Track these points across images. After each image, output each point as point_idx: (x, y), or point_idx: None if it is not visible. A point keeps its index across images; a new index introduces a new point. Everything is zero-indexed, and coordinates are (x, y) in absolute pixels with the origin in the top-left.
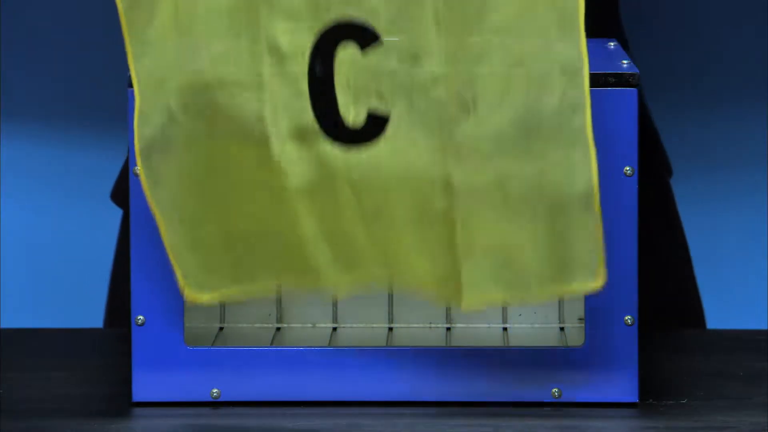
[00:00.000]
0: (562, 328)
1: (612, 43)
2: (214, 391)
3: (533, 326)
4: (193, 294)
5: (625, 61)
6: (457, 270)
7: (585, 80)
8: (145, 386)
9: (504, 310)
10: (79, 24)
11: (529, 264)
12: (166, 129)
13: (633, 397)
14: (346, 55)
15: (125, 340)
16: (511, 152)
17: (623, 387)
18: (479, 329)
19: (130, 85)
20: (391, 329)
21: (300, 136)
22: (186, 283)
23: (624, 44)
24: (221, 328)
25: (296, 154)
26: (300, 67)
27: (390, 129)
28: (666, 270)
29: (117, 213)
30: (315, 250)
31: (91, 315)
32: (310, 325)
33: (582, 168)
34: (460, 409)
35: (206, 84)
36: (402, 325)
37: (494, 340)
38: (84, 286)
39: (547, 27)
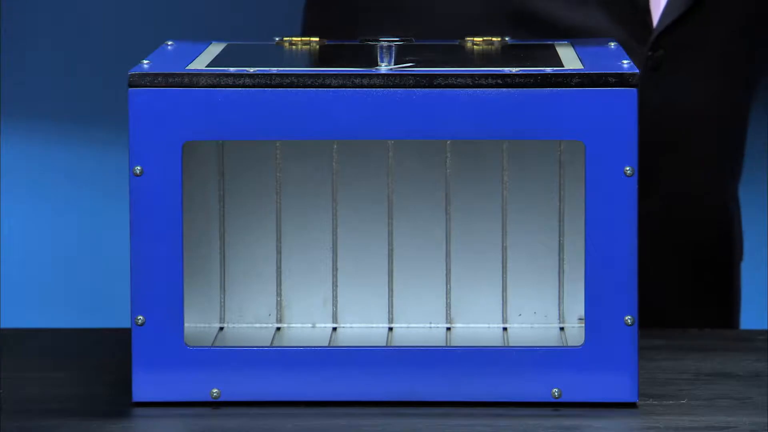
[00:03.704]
0: (562, 328)
1: (612, 43)
2: (214, 391)
3: (533, 326)
4: None
5: (625, 61)
6: None
7: None
8: (145, 386)
9: (504, 310)
10: (79, 24)
11: None
12: None
13: (633, 397)
14: None
15: (125, 340)
16: None
17: (623, 387)
18: (479, 329)
19: (130, 85)
20: (391, 329)
21: None
22: None
23: None
24: (221, 328)
25: None
26: None
27: None
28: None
29: (116, 213)
30: None
31: (92, 315)
32: (310, 325)
33: None
34: (460, 409)
35: None
36: (402, 325)
37: (494, 340)
38: (84, 286)
39: None
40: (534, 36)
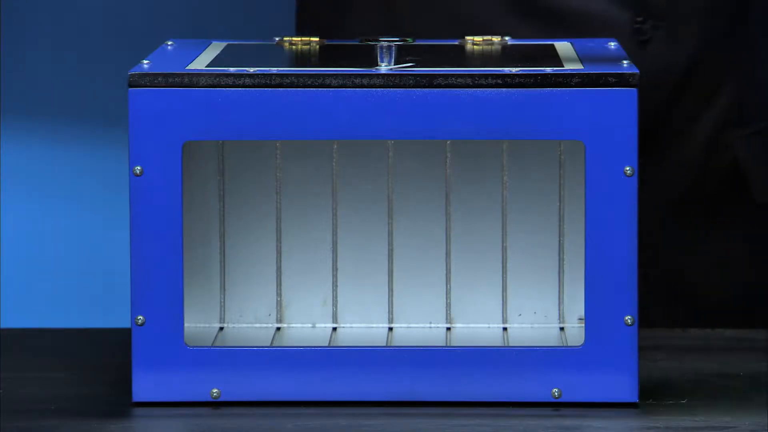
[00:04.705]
0: (562, 328)
1: (612, 43)
2: (214, 391)
3: (533, 326)
4: None
5: (625, 61)
6: None
7: None
8: (145, 386)
9: (504, 310)
10: (79, 24)
11: None
12: None
13: (633, 397)
14: None
15: (125, 340)
16: None
17: (623, 387)
18: (479, 329)
19: (130, 85)
20: (391, 329)
21: None
22: None
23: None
24: (221, 328)
25: None
26: None
27: None
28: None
29: (116, 213)
30: None
31: (92, 315)
32: (310, 325)
33: None
34: (460, 409)
35: None
36: (402, 325)
37: (494, 340)
38: (84, 286)
39: None
40: (534, 24)
